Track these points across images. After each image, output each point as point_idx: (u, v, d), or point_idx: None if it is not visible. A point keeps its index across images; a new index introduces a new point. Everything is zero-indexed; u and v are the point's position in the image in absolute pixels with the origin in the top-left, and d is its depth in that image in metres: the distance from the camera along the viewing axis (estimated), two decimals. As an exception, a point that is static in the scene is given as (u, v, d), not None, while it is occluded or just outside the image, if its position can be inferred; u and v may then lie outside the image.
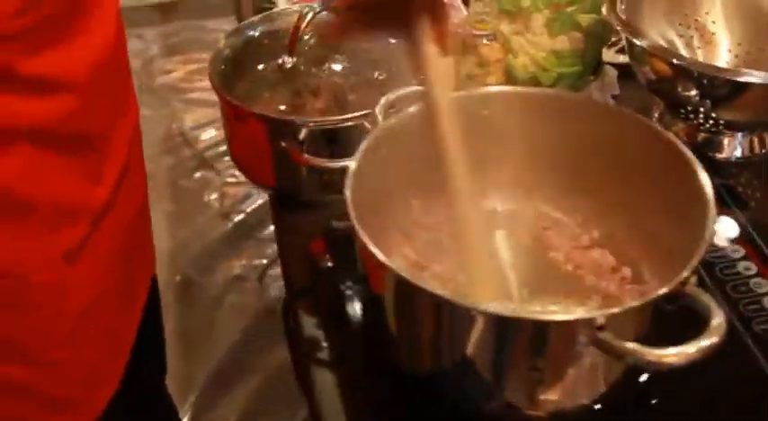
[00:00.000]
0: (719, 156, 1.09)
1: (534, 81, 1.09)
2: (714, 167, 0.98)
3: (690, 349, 0.62)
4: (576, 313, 0.66)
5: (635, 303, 0.64)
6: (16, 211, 0.82)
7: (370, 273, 0.73)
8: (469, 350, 0.69)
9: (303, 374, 0.84)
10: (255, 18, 1.06)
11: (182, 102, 2.68)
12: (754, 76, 0.97)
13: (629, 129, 0.80)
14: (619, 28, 1.05)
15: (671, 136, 0.76)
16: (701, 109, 1.03)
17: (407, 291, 0.69)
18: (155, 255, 1.09)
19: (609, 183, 0.84)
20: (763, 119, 1.04)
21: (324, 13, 0.97)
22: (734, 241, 0.89)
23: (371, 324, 0.83)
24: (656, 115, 1.14)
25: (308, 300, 0.89)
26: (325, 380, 0.82)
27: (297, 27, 0.94)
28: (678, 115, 1.10)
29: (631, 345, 0.63)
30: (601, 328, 0.64)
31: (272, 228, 2.25)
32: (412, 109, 0.81)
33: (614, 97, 1.17)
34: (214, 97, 0.97)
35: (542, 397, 0.72)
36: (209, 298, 2.09)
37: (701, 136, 1.10)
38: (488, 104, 0.82)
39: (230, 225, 2.30)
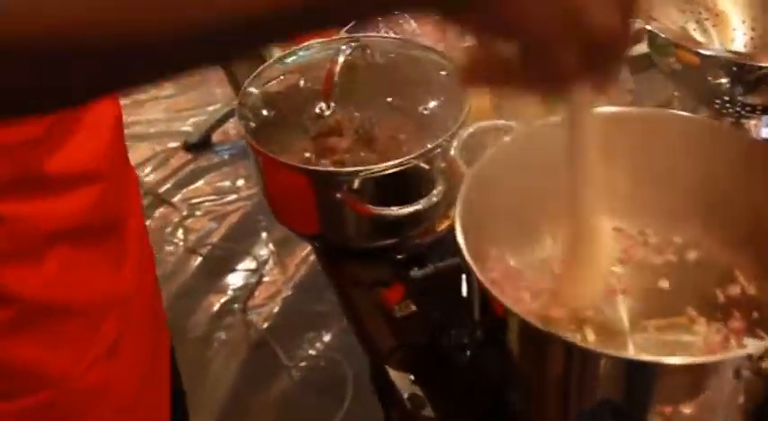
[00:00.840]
0: (748, 138, 1.09)
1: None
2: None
3: None
4: (737, 349, 0.63)
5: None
6: (58, 316, 0.78)
7: (494, 324, 0.71)
8: (611, 395, 0.66)
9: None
10: (272, 60, 1.01)
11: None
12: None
13: (737, 147, 0.78)
14: (640, 20, 1.03)
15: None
16: (731, 96, 1.02)
17: (546, 342, 0.67)
18: (166, 320, 1.04)
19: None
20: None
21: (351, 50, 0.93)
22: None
23: (480, 371, 0.80)
24: (676, 105, 1.14)
25: (397, 355, 0.85)
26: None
27: (330, 72, 0.90)
28: (703, 103, 1.09)
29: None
30: (762, 358, 0.62)
31: (246, 260, 2.19)
32: (491, 152, 0.78)
33: (629, 91, 1.15)
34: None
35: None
36: (197, 339, 2.03)
37: (728, 121, 1.09)
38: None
39: (200, 260, 2.23)
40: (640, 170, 0.83)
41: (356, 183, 0.88)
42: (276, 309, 2.08)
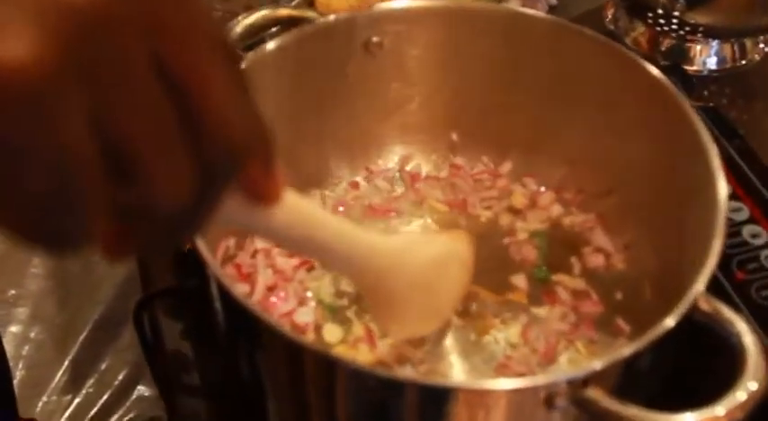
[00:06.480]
0: (690, 68, 0.88)
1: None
2: (685, 83, 0.77)
3: (719, 411, 0.41)
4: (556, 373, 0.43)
5: (629, 350, 0.43)
6: None
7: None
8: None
9: (169, 402, 0.62)
10: None
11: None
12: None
13: (611, 66, 0.58)
14: None
15: (669, 85, 0.55)
16: (672, 11, 0.81)
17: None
18: None
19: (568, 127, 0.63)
20: (747, 23, 0.83)
21: None
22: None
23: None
24: (609, 16, 0.92)
25: (171, 299, 0.66)
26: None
27: None
28: (638, 18, 0.88)
29: (630, 410, 0.43)
30: (586, 384, 0.43)
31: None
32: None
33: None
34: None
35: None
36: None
37: (667, 43, 0.88)
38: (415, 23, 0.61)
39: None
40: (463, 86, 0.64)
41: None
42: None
